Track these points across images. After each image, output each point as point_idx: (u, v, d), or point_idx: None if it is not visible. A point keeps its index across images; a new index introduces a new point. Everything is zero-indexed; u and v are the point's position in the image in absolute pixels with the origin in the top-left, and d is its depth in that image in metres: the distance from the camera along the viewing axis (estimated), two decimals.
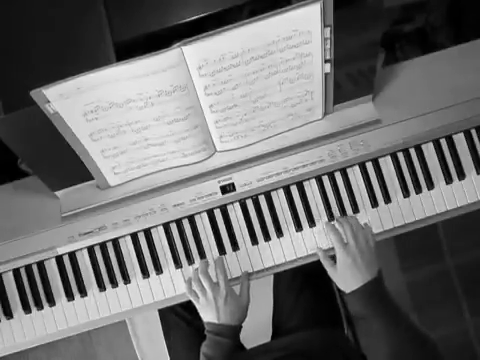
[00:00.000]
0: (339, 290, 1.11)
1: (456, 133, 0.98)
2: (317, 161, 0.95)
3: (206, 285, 0.89)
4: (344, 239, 0.91)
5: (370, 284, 0.86)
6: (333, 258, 0.92)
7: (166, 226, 0.97)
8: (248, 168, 0.96)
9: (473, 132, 0.99)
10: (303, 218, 0.97)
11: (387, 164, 0.98)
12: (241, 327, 0.92)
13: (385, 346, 0.83)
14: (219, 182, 0.96)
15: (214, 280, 0.91)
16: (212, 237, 0.97)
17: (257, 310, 1.04)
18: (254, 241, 0.96)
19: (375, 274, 0.87)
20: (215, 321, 0.88)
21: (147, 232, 0.97)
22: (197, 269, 0.92)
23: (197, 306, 0.91)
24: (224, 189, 0.96)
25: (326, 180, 0.97)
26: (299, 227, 0.96)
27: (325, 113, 0.97)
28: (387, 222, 0.96)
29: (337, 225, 0.94)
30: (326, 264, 0.92)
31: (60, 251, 0.96)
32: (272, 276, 1.18)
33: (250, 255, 0.97)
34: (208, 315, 0.89)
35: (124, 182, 0.97)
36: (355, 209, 0.97)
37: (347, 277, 0.88)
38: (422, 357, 0.81)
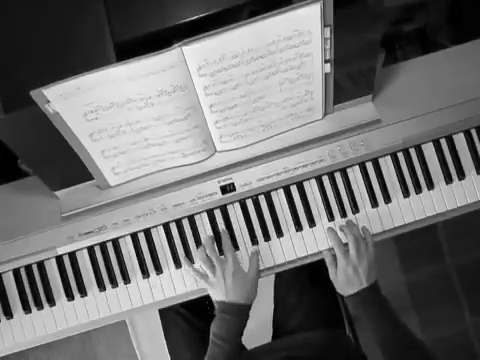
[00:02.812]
0: None
1: (456, 133, 0.98)
2: (317, 161, 0.95)
3: (216, 262, 0.90)
4: (343, 241, 0.92)
5: (365, 291, 0.88)
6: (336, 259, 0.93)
7: (166, 226, 0.97)
8: (248, 168, 0.96)
9: (473, 132, 0.99)
10: (303, 218, 0.97)
11: (387, 164, 0.98)
12: (250, 306, 0.91)
13: (380, 347, 0.86)
14: (219, 182, 0.96)
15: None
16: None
17: (258, 310, 1.04)
18: (254, 241, 0.96)
19: (371, 282, 0.89)
20: (224, 299, 0.89)
21: (147, 232, 0.97)
22: (202, 248, 0.92)
23: (206, 286, 0.91)
24: (224, 189, 0.96)
25: (326, 180, 0.97)
26: (299, 227, 0.96)
27: (325, 113, 0.97)
28: (387, 222, 0.96)
29: (340, 234, 0.94)
30: (330, 268, 0.93)
31: (60, 251, 0.96)
32: (273, 276, 1.18)
33: (250, 255, 0.96)
34: (217, 293, 0.90)
35: (124, 182, 0.97)
36: (355, 209, 0.97)
37: (345, 283, 0.90)
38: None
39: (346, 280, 0.89)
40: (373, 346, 0.87)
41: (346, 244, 0.92)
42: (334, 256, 0.93)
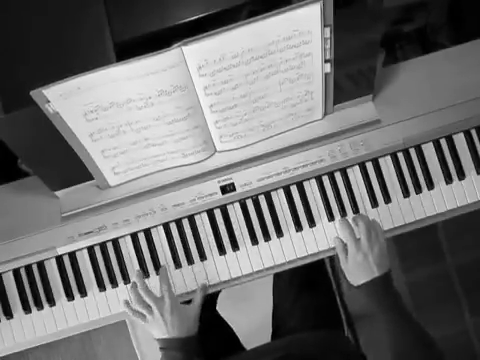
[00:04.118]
0: (339, 291, 1.11)
1: (456, 133, 0.98)
2: (317, 161, 0.95)
3: (150, 302, 0.87)
4: (356, 234, 0.90)
5: (378, 279, 0.86)
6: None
7: (166, 226, 0.97)
8: (248, 168, 0.96)
9: (473, 132, 0.99)
10: (303, 218, 0.97)
11: (387, 164, 0.98)
12: (194, 337, 0.89)
13: (389, 342, 0.83)
14: (219, 182, 0.96)
15: (158, 294, 0.90)
16: (212, 237, 0.97)
17: (257, 310, 1.05)
18: (254, 241, 0.96)
19: (384, 271, 0.87)
20: (165, 336, 0.87)
21: (147, 232, 0.97)
22: (133, 287, 0.89)
23: (145, 325, 0.89)
24: (224, 189, 0.96)
25: (326, 180, 0.97)
26: (299, 227, 0.96)
27: (325, 113, 0.97)
28: (387, 222, 0.96)
29: (351, 222, 0.93)
30: (341, 257, 0.91)
31: (60, 251, 0.96)
32: (272, 276, 1.18)
33: (250, 255, 0.97)
34: (157, 331, 0.87)
35: (124, 182, 0.97)
36: (355, 209, 0.97)
37: (356, 272, 0.88)
38: (425, 357, 0.81)
39: (356, 267, 0.87)
40: (381, 340, 0.84)
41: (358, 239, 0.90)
42: (345, 245, 0.92)
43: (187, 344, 0.87)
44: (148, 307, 0.88)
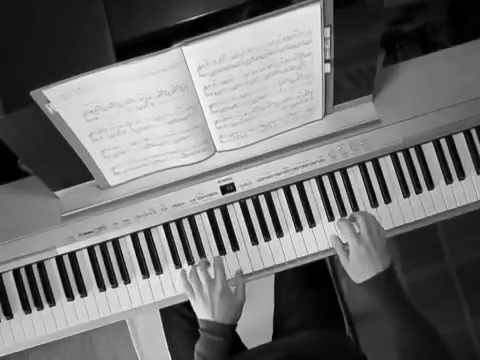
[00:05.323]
0: (340, 290, 1.11)
1: (456, 133, 0.98)
2: (317, 161, 0.95)
3: (203, 279, 0.89)
4: (356, 230, 0.89)
5: (382, 274, 0.84)
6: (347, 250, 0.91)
7: (166, 226, 0.97)
8: (248, 168, 0.96)
9: (473, 132, 0.99)
10: (303, 218, 0.97)
11: (387, 164, 0.98)
12: (235, 326, 0.91)
13: (396, 338, 0.82)
14: (219, 182, 0.96)
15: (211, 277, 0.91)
16: (212, 237, 0.97)
17: (258, 310, 1.05)
18: (254, 241, 0.96)
19: (387, 266, 0.85)
20: (209, 318, 0.87)
21: (147, 232, 0.97)
22: (195, 264, 0.92)
23: (192, 301, 0.90)
24: (224, 189, 0.96)
25: (326, 180, 0.97)
26: (299, 227, 0.96)
27: (325, 113, 0.97)
28: (387, 222, 0.96)
29: (349, 220, 0.93)
30: (341, 254, 0.90)
31: (60, 251, 0.96)
32: (273, 276, 1.18)
33: (250, 255, 0.97)
34: (202, 311, 0.88)
35: (124, 182, 0.97)
36: (355, 209, 0.97)
37: (359, 267, 0.86)
38: (433, 351, 0.81)
39: (360, 261, 0.85)
40: (387, 337, 0.83)
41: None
42: (344, 243, 0.91)
43: (228, 331, 0.88)
44: (199, 284, 0.89)
